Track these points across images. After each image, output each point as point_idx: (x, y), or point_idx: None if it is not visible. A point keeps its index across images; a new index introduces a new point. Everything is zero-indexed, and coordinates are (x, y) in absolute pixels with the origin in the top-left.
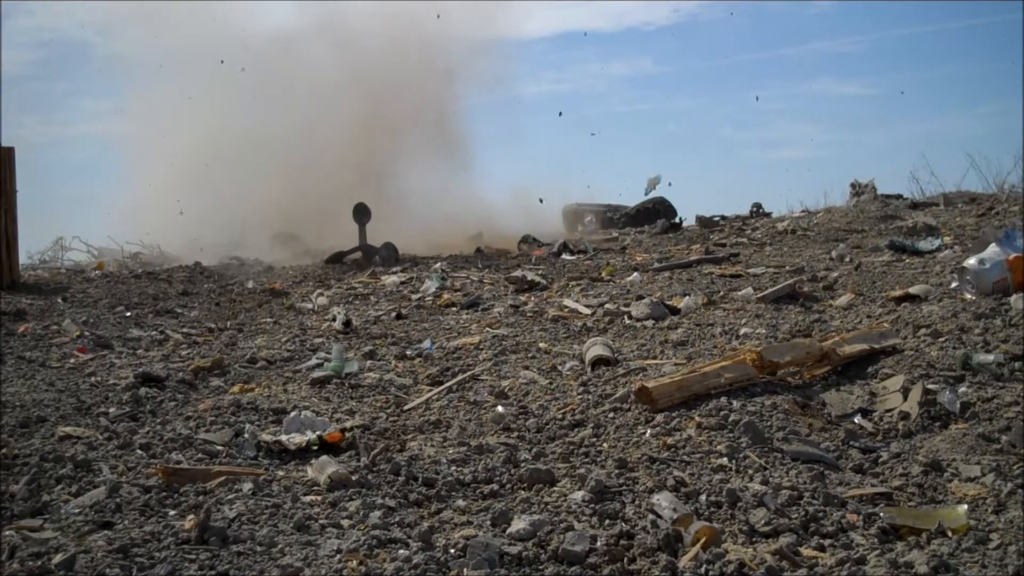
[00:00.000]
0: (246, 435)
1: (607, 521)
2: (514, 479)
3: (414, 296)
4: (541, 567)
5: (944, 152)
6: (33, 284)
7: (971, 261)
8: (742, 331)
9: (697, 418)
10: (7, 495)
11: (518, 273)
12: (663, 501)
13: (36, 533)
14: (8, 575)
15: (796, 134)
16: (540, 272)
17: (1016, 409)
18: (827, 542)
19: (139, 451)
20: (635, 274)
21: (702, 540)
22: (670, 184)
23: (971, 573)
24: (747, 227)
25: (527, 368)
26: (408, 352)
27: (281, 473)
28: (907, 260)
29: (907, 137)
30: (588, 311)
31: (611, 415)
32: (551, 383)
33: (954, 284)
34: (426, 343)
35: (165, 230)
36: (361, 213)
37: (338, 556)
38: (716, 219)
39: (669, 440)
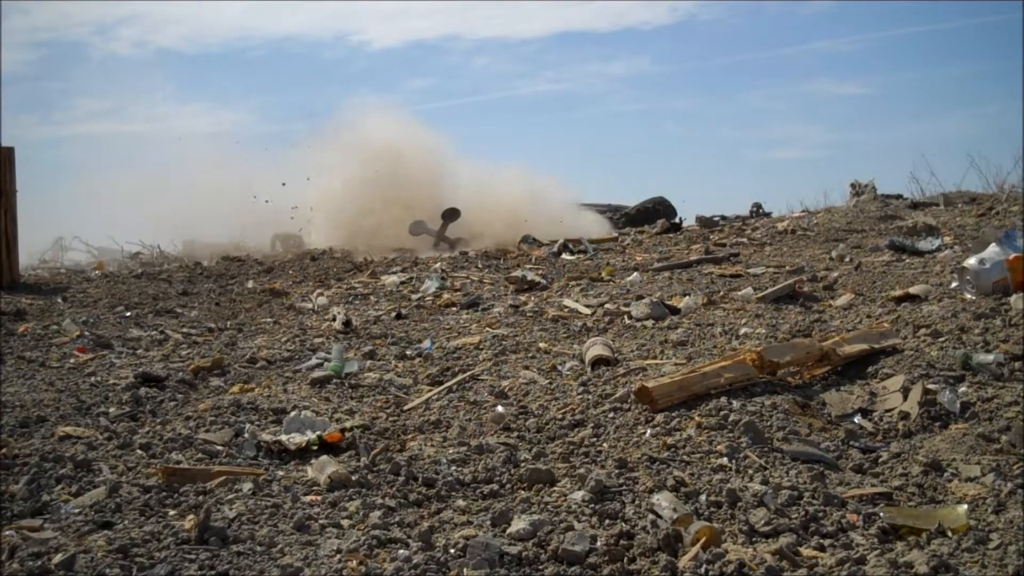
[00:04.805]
0: (246, 435)
1: (607, 521)
2: (514, 479)
3: (414, 296)
4: (541, 567)
5: (944, 152)
6: (33, 284)
7: (971, 261)
8: (742, 331)
9: (697, 418)
10: (7, 495)
11: (518, 273)
12: (663, 501)
13: (36, 533)
14: (8, 575)
15: (796, 134)
16: (540, 272)
17: (1016, 409)
18: (827, 542)
19: (139, 451)
20: (635, 274)
21: (702, 540)
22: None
23: (971, 573)
24: (747, 227)
25: (527, 368)
26: (408, 352)
27: (281, 473)
28: (907, 260)
29: (907, 137)
30: (588, 311)
31: (611, 415)
32: (551, 383)
33: (954, 284)
34: (426, 343)
35: (163, 229)
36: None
37: (338, 556)
38: (716, 219)
39: (669, 440)
